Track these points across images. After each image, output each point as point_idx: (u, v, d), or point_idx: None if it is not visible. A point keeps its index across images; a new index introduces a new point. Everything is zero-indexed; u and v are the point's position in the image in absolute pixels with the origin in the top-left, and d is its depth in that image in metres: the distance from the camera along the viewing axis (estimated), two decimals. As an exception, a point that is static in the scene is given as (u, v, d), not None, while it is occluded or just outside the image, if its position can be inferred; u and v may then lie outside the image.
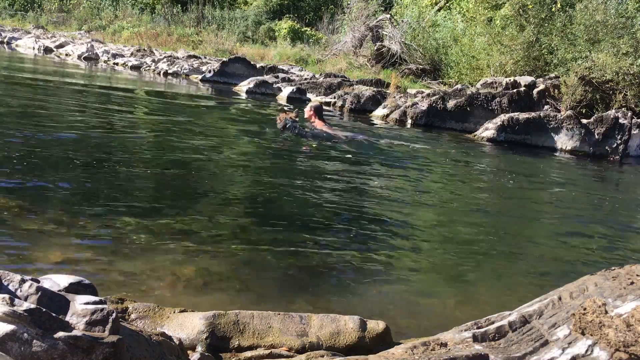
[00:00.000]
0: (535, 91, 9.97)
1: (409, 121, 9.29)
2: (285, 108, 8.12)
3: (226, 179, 4.25)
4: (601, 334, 1.54)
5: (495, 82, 10.16)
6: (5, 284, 1.22)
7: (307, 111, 7.02)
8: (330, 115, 8.87)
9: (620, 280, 1.77)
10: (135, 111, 7.01)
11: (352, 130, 7.25)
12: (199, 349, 1.66)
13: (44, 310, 1.16)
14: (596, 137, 8.73)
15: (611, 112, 8.97)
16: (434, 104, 9.41)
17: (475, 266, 3.12)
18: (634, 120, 8.94)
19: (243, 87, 11.47)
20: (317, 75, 13.03)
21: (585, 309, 1.62)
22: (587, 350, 1.54)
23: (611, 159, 8.64)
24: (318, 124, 6.81)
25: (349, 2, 17.13)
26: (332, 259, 2.89)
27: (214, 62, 13.78)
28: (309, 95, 11.04)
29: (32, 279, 1.28)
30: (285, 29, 19.73)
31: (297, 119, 6.52)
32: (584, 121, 8.92)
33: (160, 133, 5.67)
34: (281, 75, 12.52)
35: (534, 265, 3.26)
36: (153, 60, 14.24)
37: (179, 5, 21.94)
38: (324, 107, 7.74)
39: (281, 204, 3.80)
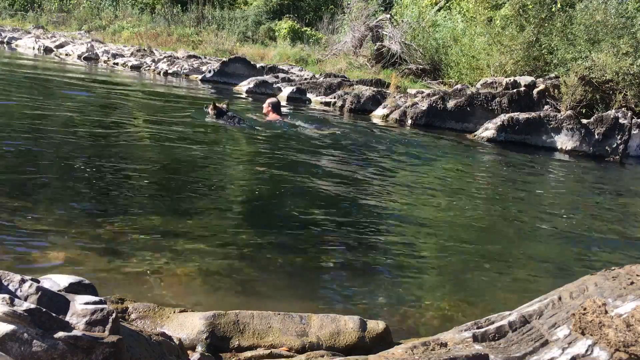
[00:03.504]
0: (535, 91, 9.97)
1: (409, 121, 9.29)
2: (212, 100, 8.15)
3: (226, 179, 4.25)
4: (601, 334, 1.54)
5: (495, 82, 10.16)
6: (5, 284, 1.21)
7: (265, 107, 7.41)
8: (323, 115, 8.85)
9: (620, 280, 1.77)
10: (135, 111, 7.01)
11: (318, 123, 7.34)
12: (199, 349, 1.66)
13: (44, 310, 1.16)
14: (596, 137, 8.73)
15: (611, 112, 8.96)
16: (434, 104, 9.41)
17: (475, 266, 3.12)
18: (634, 120, 8.94)
19: (243, 87, 11.47)
20: (317, 75, 13.02)
21: (585, 309, 1.62)
22: (587, 350, 1.54)
23: (611, 159, 8.63)
24: (272, 117, 7.25)
25: (349, 2, 17.11)
26: (332, 259, 2.89)
27: (214, 62, 13.77)
28: (309, 95, 11.04)
29: (32, 279, 1.28)
30: (285, 29, 19.72)
31: (228, 110, 6.79)
32: (584, 121, 8.91)
33: (159, 133, 5.66)
34: (281, 75, 12.52)
35: (534, 266, 3.25)
36: (153, 60, 14.23)
37: (179, 5, 21.92)
38: (326, 107, 7.81)
39: (281, 203, 3.80)
